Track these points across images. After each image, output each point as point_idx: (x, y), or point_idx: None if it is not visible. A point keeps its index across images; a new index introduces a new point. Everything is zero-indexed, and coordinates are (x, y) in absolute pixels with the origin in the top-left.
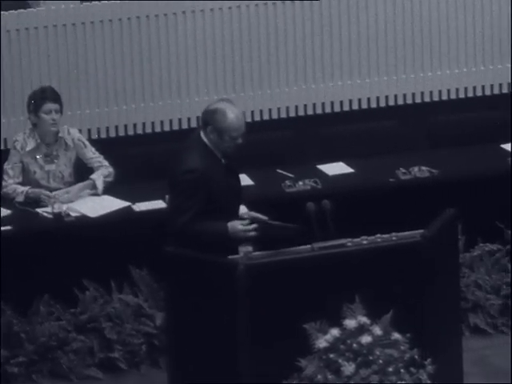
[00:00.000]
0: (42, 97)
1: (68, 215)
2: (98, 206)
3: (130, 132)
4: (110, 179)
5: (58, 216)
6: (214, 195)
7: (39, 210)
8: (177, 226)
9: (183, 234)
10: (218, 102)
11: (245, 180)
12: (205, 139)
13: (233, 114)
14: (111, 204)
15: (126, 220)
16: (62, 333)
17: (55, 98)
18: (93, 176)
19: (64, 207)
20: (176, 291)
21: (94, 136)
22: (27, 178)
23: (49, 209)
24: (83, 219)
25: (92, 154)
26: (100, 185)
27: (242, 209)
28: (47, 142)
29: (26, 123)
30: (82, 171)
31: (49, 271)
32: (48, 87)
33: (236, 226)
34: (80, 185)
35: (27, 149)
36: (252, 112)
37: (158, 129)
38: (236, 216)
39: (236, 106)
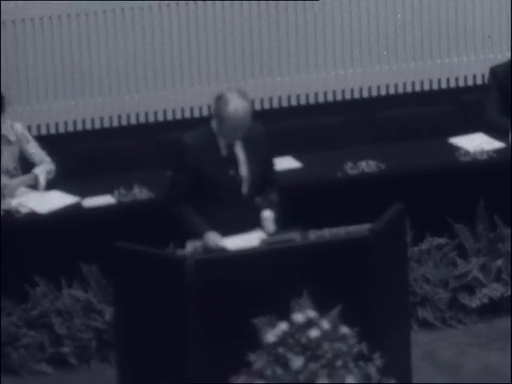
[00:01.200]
0: None
1: (17, 211)
2: (48, 201)
3: (88, 126)
4: (51, 176)
5: (8, 212)
6: (208, 180)
7: None
8: (166, 199)
9: (169, 209)
10: (229, 90)
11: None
12: (212, 125)
13: (234, 106)
14: (60, 200)
15: (75, 215)
16: (12, 328)
17: None
18: (36, 170)
19: (13, 203)
20: (125, 286)
21: (53, 131)
22: None
23: None
24: (33, 215)
25: (34, 150)
26: (43, 180)
27: (267, 213)
28: None
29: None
30: (26, 166)
31: None
32: None
33: (213, 239)
34: (22, 178)
35: None
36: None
37: (115, 123)
38: (236, 208)
39: (246, 99)
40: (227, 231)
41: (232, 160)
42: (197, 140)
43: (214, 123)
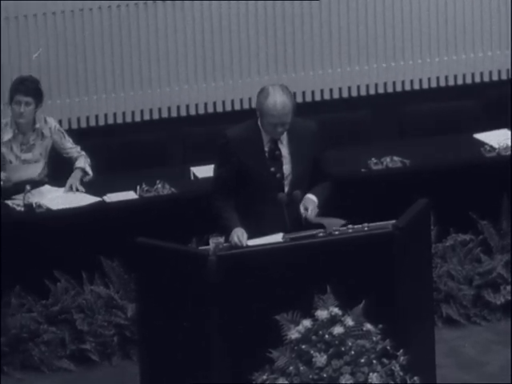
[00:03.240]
0: (16, 88)
1: (39, 206)
2: (69, 202)
3: (110, 121)
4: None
5: (29, 207)
6: (249, 175)
7: (9, 202)
8: (210, 191)
9: (209, 201)
10: (272, 84)
11: None
12: (258, 120)
13: (273, 100)
14: (82, 200)
15: (97, 211)
16: (33, 324)
17: (27, 90)
18: (79, 165)
19: (35, 199)
20: (147, 282)
21: (75, 126)
22: (3, 168)
23: (19, 200)
24: (55, 210)
25: (71, 145)
26: (89, 170)
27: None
28: (23, 132)
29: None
30: (54, 161)
31: (20, 263)
32: (27, 78)
33: (238, 233)
34: (71, 178)
35: (4, 139)
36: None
37: (137, 118)
38: (274, 205)
39: (287, 95)
40: (264, 228)
41: (275, 156)
42: (240, 134)
43: (259, 120)
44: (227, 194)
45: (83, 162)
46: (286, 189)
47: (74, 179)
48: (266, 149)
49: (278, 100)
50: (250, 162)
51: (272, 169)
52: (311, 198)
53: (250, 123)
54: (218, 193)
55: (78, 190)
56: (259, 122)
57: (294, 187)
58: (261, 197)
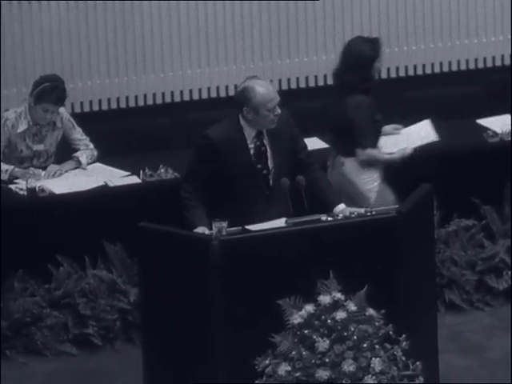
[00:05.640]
0: (47, 97)
1: (42, 191)
2: (72, 185)
3: (113, 106)
4: (91, 161)
5: (32, 192)
6: (235, 174)
7: (12, 186)
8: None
9: (180, 195)
10: (244, 82)
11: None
12: (242, 121)
13: (262, 88)
14: (85, 184)
15: (99, 195)
16: (36, 309)
17: (57, 100)
18: (76, 154)
19: (38, 183)
20: (150, 267)
21: (78, 110)
22: (12, 156)
23: (22, 185)
24: (57, 195)
25: (80, 136)
26: (84, 159)
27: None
28: (39, 124)
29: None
30: (62, 151)
31: (23, 247)
32: (57, 86)
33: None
34: (68, 162)
35: (18, 130)
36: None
37: (141, 103)
38: (262, 202)
39: (262, 78)
40: (252, 224)
41: (261, 153)
42: (223, 135)
43: (243, 121)
44: (198, 188)
45: (83, 153)
46: (271, 182)
47: (60, 167)
48: (252, 145)
49: (264, 86)
50: (236, 162)
51: (258, 166)
52: (342, 208)
53: (230, 123)
54: (188, 184)
55: (54, 175)
56: (241, 122)
57: (278, 178)
58: (247, 194)
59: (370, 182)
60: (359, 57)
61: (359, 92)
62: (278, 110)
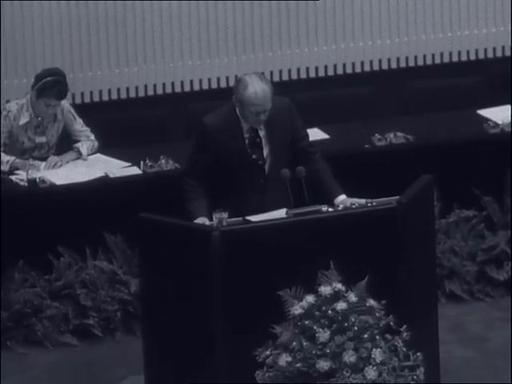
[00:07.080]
0: (49, 92)
1: (43, 181)
2: (72, 176)
3: (114, 96)
4: (92, 152)
5: (33, 182)
6: (230, 163)
7: (13, 177)
8: (182, 175)
9: (181, 185)
10: (248, 74)
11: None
12: (235, 106)
13: (253, 89)
14: (85, 174)
15: (100, 186)
16: (36, 299)
17: (60, 95)
18: (76, 144)
19: (39, 174)
20: (150, 257)
21: (78, 101)
22: (13, 147)
23: (22, 176)
24: (58, 186)
25: (81, 127)
26: (84, 150)
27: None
28: (41, 117)
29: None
30: (63, 142)
31: (24, 238)
32: (59, 80)
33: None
34: (68, 153)
35: (20, 123)
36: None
37: (141, 93)
38: (258, 192)
39: (266, 82)
40: (249, 214)
41: (255, 144)
42: (219, 123)
43: (236, 107)
44: (199, 180)
45: (83, 144)
46: (267, 172)
47: (61, 158)
48: (247, 135)
49: (257, 88)
50: (231, 152)
51: (254, 156)
52: (342, 199)
53: (227, 111)
54: (190, 177)
55: (54, 166)
56: (237, 111)
57: (274, 168)
58: (242, 184)
59: None
60: None
61: None
62: (262, 117)
